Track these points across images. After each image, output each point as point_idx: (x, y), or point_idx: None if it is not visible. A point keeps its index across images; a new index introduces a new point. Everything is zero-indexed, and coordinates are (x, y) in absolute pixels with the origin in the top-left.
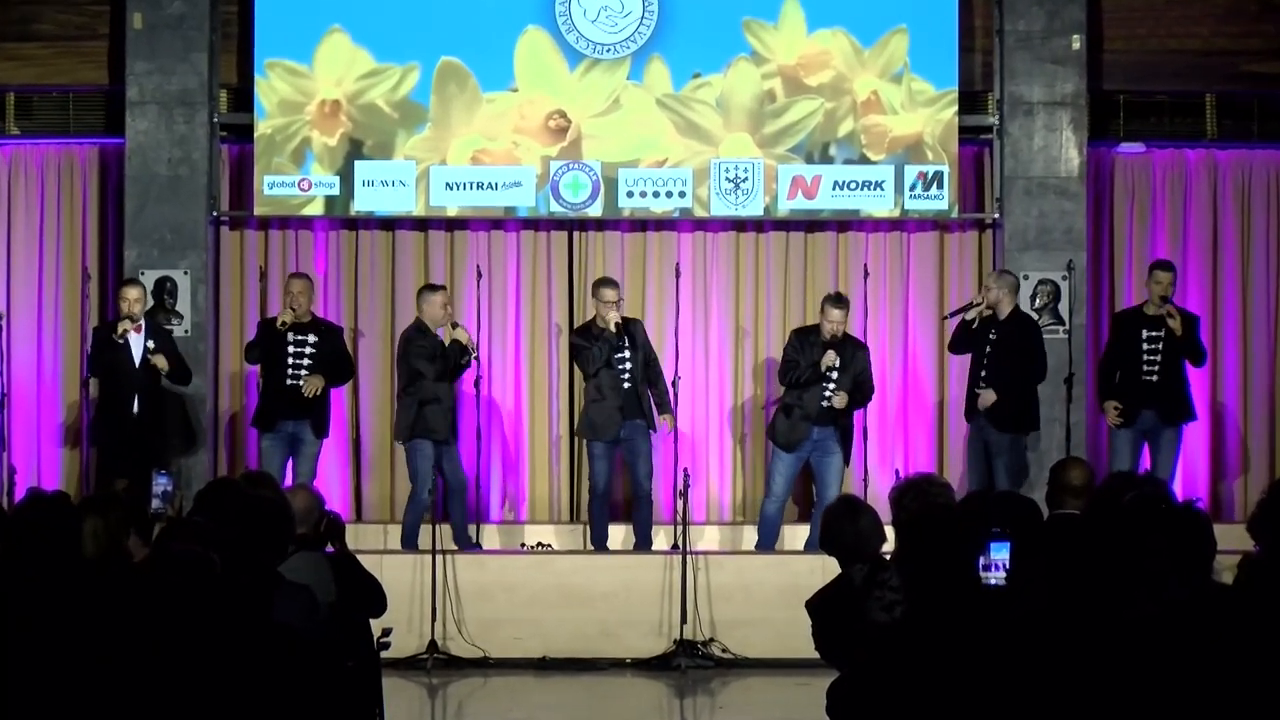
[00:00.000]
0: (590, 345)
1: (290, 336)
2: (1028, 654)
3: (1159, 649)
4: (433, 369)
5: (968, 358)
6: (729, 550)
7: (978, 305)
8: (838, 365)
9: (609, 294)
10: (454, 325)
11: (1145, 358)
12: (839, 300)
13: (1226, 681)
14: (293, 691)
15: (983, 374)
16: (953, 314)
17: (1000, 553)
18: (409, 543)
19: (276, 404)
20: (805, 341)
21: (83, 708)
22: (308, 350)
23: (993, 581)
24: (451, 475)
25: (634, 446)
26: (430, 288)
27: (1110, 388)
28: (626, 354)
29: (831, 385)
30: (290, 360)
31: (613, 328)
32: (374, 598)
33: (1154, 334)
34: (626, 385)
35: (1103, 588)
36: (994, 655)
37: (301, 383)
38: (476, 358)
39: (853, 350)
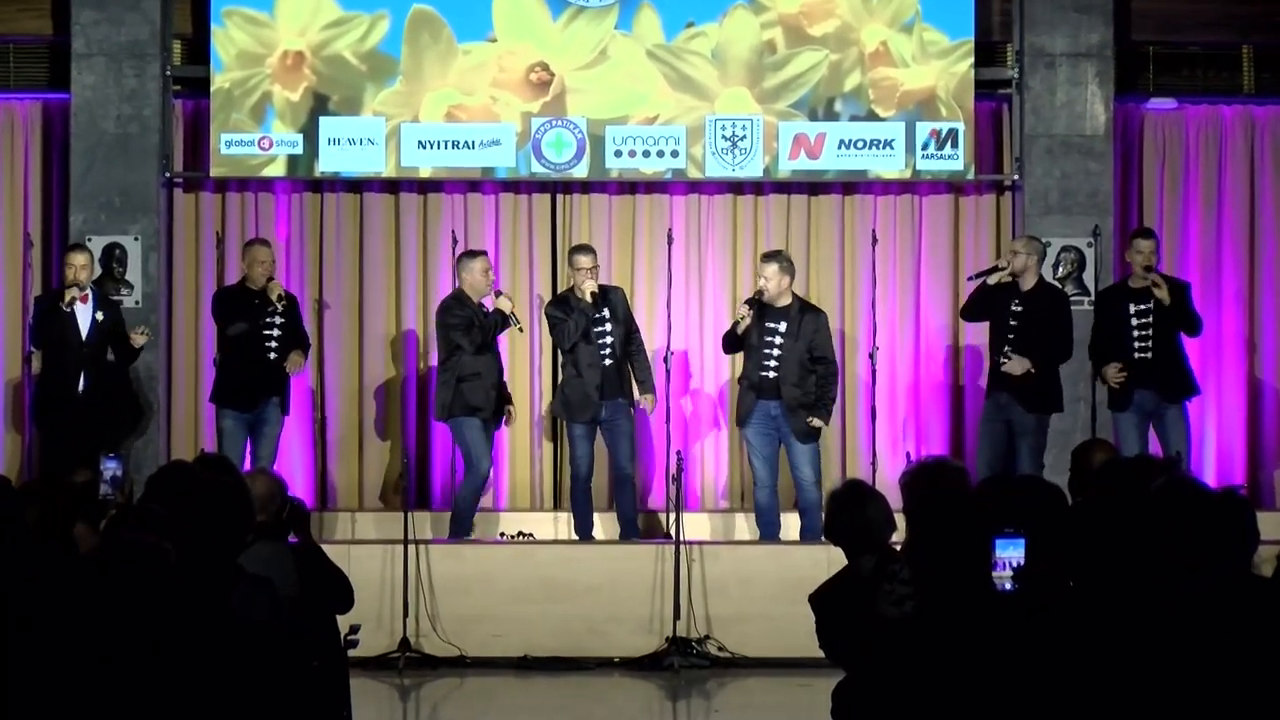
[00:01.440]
0: (566, 317)
1: (259, 304)
2: (1047, 653)
3: (1184, 645)
4: (469, 340)
5: (989, 331)
6: (725, 540)
7: (1001, 270)
8: (750, 318)
9: (583, 260)
10: (497, 294)
11: (1135, 334)
12: (767, 256)
13: (1257, 679)
14: (252, 694)
15: (1006, 349)
16: (975, 276)
17: (1007, 550)
18: (463, 528)
19: (254, 381)
20: (749, 304)
21: (23, 707)
22: (278, 321)
23: (1006, 586)
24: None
25: (615, 427)
26: (470, 254)
27: (1104, 362)
28: (606, 326)
29: (776, 353)
30: (264, 333)
31: (588, 297)
32: (340, 592)
33: (1141, 308)
34: (606, 362)
35: (1127, 581)
36: (1012, 654)
37: (286, 363)
38: (521, 328)
39: (800, 316)
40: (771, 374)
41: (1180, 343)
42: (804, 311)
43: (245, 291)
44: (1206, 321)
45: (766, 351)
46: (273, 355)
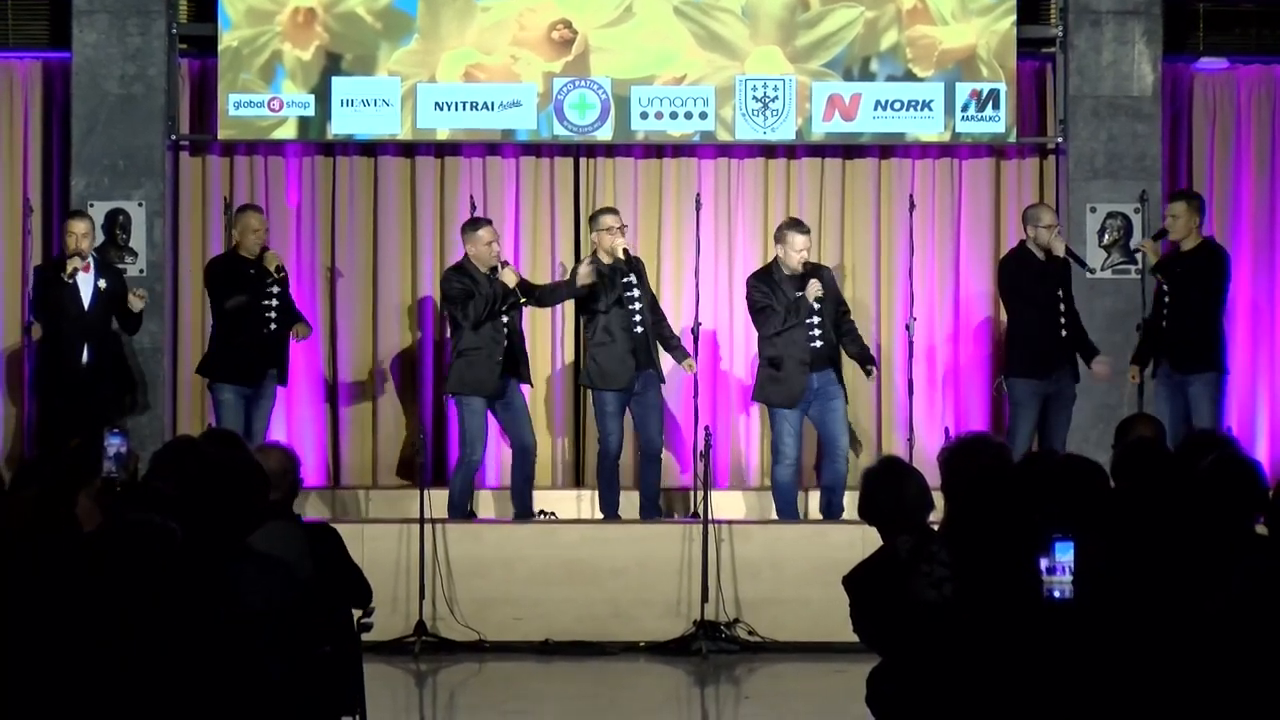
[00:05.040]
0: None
1: (256, 275)
2: (1091, 638)
3: (1237, 635)
4: (463, 313)
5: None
6: (756, 519)
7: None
8: (822, 295)
9: (610, 220)
10: (502, 264)
11: (1163, 300)
12: (801, 225)
13: None
14: (262, 680)
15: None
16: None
17: (1067, 554)
18: (456, 511)
19: (254, 355)
20: (770, 282)
21: (21, 688)
22: (275, 291)
23: (1057, 593)
24: (512, 434)
25: (646, 400)
26: (473, 222)
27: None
28: (635, 293)
29: (816, 320)
30: (263, 304)
31: (620, 254)
32: (358, 592)
33: (1167, 274)
34: (638, 330)
35: (1174, 566)
36: (1055, 638)
37: (294, 333)
38: (524, 303)
39: (824, 276)
40: (819, 343)
41: (1206, 314)
42: (818, 271)
43: (239, 260)
44: (1258, 291)
45: (810, 321)
46: (272, 327)
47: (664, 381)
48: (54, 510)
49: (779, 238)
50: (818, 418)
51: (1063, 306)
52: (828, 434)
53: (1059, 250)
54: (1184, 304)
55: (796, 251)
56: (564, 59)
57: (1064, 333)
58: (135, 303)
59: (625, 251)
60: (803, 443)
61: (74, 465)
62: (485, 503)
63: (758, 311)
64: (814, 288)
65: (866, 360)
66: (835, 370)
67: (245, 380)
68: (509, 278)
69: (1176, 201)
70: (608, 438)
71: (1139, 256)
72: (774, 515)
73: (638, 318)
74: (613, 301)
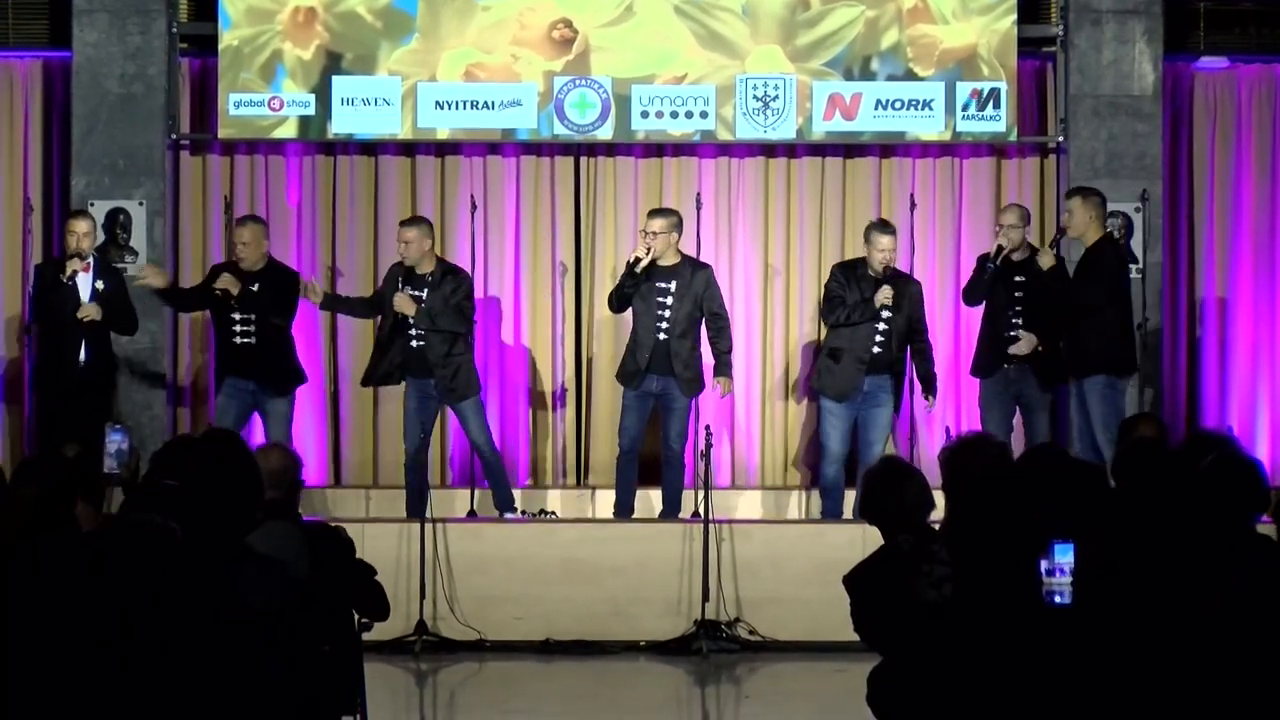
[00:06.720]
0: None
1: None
2: (1092, 638)
3: (1237, 636)
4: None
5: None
6: (757, 519)
7: (1005, 249)
8: (891, 302)
9: (646, 223)
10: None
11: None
12: (887, 226)
13: None
14: (262, 680)
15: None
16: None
17: (1066, 555)
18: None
19: (230, 363)
20: (851, 276)
21: (21, 688)
22: (245, 308)
23: (1057, 597)
24: (470, 437)
25: (669, 401)
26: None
27: None
28: (668, 300)
29: (882, 325)
30: (237, 316)
31: (631, 258)
32: (376, 604)
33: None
34: (659, 336)
35: (1174, 566)
36: (1055, 638)
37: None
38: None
39: (904, 286)
40: (878, 349)
41: (1095, 313)
42: (906, 283)
43: (226, 268)
44: (1258, 291)
45: (875, 325)
46: (236, 341)
47: (687, 393)
48: (54, 510)
49: (865, 237)
50: (860, 420)
51: (1019, 308)
52: (864, 438)
53: (992, 249)
54: (1070, 308)
55: (879, 251)
56: (564, 58)
57: (1015, 334)
58: (89, 313)
59: (638, 257)
60: (849, 441)
61: (75, 469)
62: (485, 502)
63: (827, 300)
64: (883, 293)
65: (927, 387)
66: (892, 378)
67: (228, 384)
68: (398, 300)
69: (1071, 197)
70: (623, 434)
71: (1140, 254)
72: (775, 514)
73: (663, 325)
74: (623, 300)
